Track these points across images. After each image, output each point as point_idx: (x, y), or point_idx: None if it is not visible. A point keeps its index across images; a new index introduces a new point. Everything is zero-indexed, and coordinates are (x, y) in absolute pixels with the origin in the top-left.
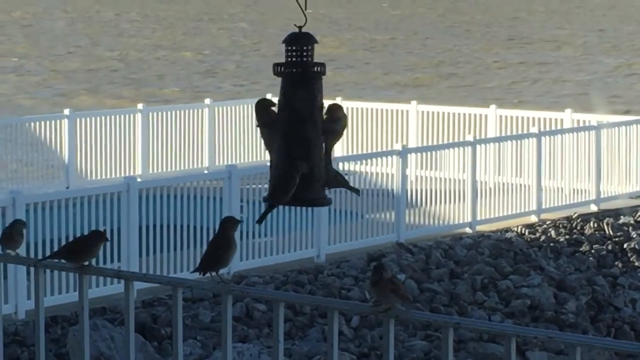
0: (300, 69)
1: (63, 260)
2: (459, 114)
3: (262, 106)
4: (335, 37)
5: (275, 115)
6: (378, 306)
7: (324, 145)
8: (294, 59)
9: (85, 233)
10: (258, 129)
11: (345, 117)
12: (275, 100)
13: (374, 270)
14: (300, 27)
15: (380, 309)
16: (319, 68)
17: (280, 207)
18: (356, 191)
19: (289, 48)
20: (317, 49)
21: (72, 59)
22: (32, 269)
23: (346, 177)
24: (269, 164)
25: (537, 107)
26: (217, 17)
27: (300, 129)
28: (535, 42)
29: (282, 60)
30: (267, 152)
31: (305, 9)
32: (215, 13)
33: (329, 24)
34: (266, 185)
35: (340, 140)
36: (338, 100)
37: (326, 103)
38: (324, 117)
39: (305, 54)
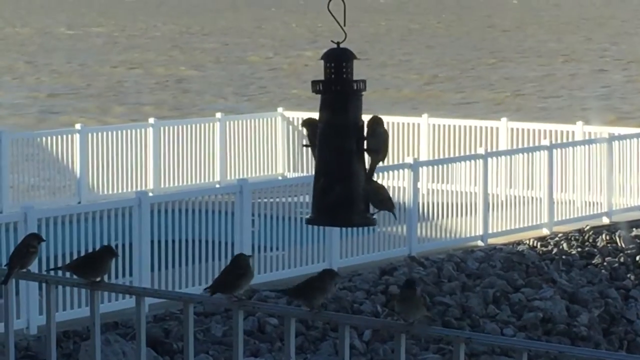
0: (339, 86)
1: (74, 276)
2: (470, 127)
3: (309, 125)
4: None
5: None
6: (417, 323)
7: (367, 163)
8: (332, 76)
9: (97, 248)
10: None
11: (385, 132)
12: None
13: (407, 285)
14: (338, 43)
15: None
16: (358, 85)
17: (291, 219)
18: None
19: (328, 65)
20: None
21: None
22: (44, 285)
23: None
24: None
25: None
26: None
27: (339, 147)
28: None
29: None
30: (282, 167)
31: (345, 24)
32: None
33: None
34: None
35: None
36: None
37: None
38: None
39: (344, 70)
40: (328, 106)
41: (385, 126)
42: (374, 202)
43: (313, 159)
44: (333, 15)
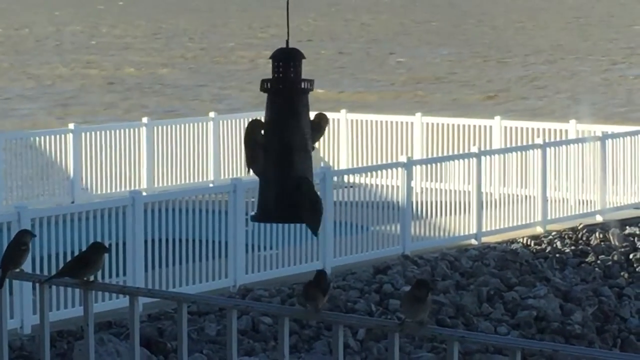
0: (286, 85)
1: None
2: (463, 126)
3: (255, 127)
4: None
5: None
6: (410, 323)
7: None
8: (280, 75)
9: (90, 245)
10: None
11: (324, 127)
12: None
13: (420, 285)
14: (287, 42)
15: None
16: (306, 84)
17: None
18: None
19: (276, 64)
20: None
21: None
22: (37, 285)
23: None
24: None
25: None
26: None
27: (288, 145)
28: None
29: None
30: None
31: (288, 26)
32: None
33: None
34: None
35: (346, 152)
36: (342, 113)
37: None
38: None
39: (291, 69)
40: (275, 105)
41: (379, 125)
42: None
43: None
44: (288, 15)
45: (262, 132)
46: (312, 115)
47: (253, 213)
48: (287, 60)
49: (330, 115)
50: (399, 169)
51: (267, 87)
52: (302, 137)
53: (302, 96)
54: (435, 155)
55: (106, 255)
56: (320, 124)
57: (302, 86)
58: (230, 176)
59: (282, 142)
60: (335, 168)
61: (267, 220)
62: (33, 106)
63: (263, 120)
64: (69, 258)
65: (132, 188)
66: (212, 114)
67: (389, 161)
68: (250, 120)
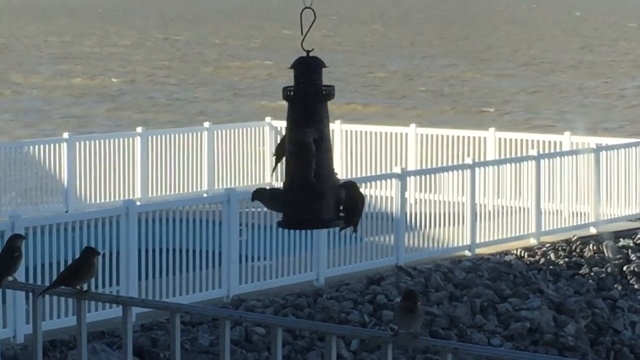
0: (307, 93)
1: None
2: (457, 137)
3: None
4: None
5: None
6: (404, 334)
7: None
8: (301, 84)
9: (83, 250)
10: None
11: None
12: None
13: (408, 297)
14: (308, 52)
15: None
16: (327, 91)
17: (278, 229)
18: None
19: (297, 72)
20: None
21: None
22: (30, 294)
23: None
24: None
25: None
26: None
27: (306, 151)
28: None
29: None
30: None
31: (303, 34)
32: None
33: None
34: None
35: (340, 163)
36: (337, 124)
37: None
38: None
39: (314, 77)
40: (297, 112)
41: (374, 136)
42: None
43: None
44: (301, 24)
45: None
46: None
47: (279, 219)
48: (307, 69)
49: None
50: (393, 179)
51: (289, 94)
52: (324, 142)
53: (323, 103)
54: (429, 167)
55: (100, 265)
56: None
57: (324, 92)
58: (224, 186)
59: (304, 146)
60: None
61: (296, 227)
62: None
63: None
64: (62, 267)
65: (126, 198)
66: (206, 124)
67: (383, 172)
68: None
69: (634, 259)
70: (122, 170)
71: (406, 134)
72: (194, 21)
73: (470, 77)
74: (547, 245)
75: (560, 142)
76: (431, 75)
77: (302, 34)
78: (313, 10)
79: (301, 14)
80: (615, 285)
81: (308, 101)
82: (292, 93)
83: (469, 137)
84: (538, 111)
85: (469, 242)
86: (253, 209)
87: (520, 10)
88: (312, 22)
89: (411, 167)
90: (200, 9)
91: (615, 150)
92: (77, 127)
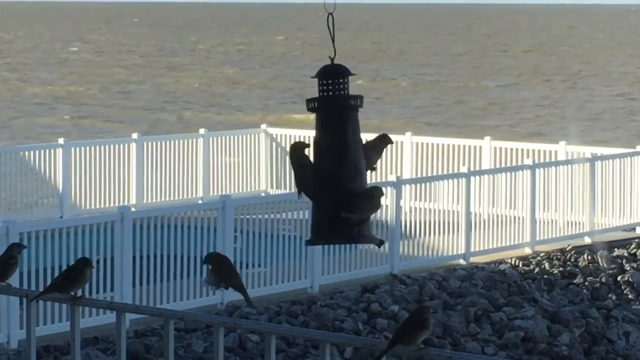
0: (335, 103)
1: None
2: (453, 146)
3: (298, 149)
4: None
5: (307, 157)
6: (421, 347)
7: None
8: (328, 93)
9: (77, 260)
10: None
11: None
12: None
13: (424, 312)
14: (332, 59)
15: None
16: (355, 101)
17: (273, 236)
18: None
19: (323, 82)
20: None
21: None
22: (24, 299)
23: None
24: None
25: None
26: None
27: (338, 163)
28: None
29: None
30: (265, 184)
31: (334, 41)
32: None
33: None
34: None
35: None
36: None
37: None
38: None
39: (340, 86)
40: (323, 124)
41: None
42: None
43: (294, 178)
44: (330, 31)
45: (307, 152)
46: (373, 135)
47: (308, 238)
48: (334, 78)
49: None
50: (388, 188)
51: (314, 106)
52: (353, 156)
53: (351, 113)
54: (424, 175)
55: (94, 271)
56: (378, 145)
57: (352, 103)
58: (220, 193)
59: (332, 162)
60: None
61: (324, 242)
62: None
63: (312, 140)
64: (57, 273)
65: (121, 203)
66: (202, 131)
67: (378, 180)
68: (293, 142)
69: (628, 268)
70: (118, 176)
71: (401, 142)
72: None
73: None
74: (542, 254)
75: (556, 152)
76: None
77: (332, 41)
78: (332, 16)
79: (327, 19)
80: (610, 295)
81: (337, 112)
82: (317, 104)
83: (464, 146)
84: None
85: (463, 251)
86: (248, 216)
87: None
88: (333, 29)
89: (406, 175)
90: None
91: (610, 160)
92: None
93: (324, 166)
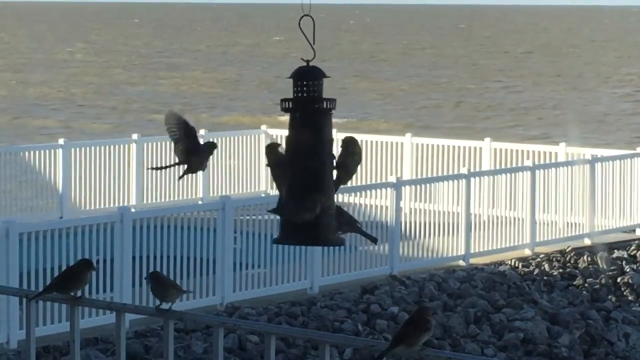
0: (308, 105)
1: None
2: (453, 147)
3: (270, 148)
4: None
5: (283, 155)
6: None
7: (335, 180)
8: (301, 94)
9: (78, 261)
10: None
11: (360, 152)
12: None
13: (426, 313)
14: (308, 62)
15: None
16: (328, 104)
17: (273, 237)
18: (373, 240)
19: (298, 83)
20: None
21: None
22: (24, 300)
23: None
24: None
25: None
26: None
27: (309, 164)
28: None
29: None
30: (265, 185)
31: (314, 43)
32: None
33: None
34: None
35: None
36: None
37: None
38: (340, 151)
39: (313, 88)
40: (298, 125)
41: (369, 145)
42: (344, 229)
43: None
44: (304, 33)
45: (281, 151)
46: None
47: (276, 236)
48: (308, 79)
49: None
50: (388, 189)
51: (288, 106)
52: (325, 157)
53: (324, 115)
54: (424, 176)
55: (93, 272)
56: (352, 150)
57: (325, 105)
58: (219, 194)
59: (305, 162)
60: None
61: (291, 242)
62: None
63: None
64: (56, 273)
65: (121, 204)
66: (202, 132)
67: (378, 181)
68: (267, 144)
69: (628, 270)
70: (117, 176)
71: (401, 144)
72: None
73: None
74: (542, 255)
75: (556, 153)
76: None
77: (309, 42)
78: (312, 17)
79: (299, 22)
80: (609, 297)
81: (310, 113)
82: (291, 104)
83: (464, 147)
84: None
85: (463, 252)
86: (248, 217)
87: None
88: (313, 30)
89: (406, 176)
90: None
91: (610, 162)
92: None
93: (294, 166)
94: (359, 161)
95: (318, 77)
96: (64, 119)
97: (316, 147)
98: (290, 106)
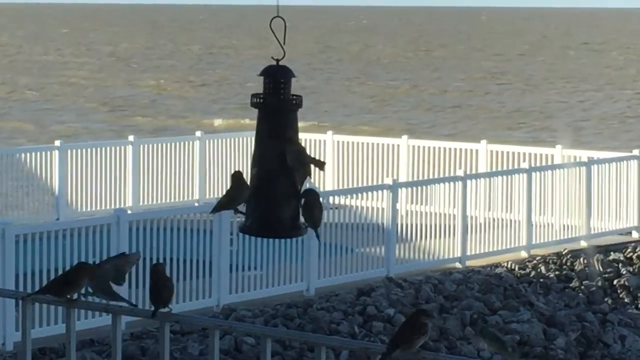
0: (275, 101)
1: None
2: (449, 149)
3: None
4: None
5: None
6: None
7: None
8: (269, 91)
9: (74, 265)
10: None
11: (297, 151)
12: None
13: (424, 316)
14: (277, 60)
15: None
16: (295, 101)
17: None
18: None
19: (266, 80)
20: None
21: None
22: (20, 301)
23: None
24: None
25: None
26: None
27: (274, 161)
28: None
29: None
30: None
31: (284, 43)
32: None
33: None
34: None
35: (331, 174)
36: (328, 134)
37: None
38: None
39: (281, 86)
40: (265, 120)
41: (365, 147)
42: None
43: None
44: (274, 33)
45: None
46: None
47: (241, 224)
48: (277, 77)
49: (316, 136)
50: (385, 191)
51: (257, 102)
52: (293, 152)
53: (292, 112)
54: (420, 178)
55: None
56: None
57: (293, 102)
58: (216, 195)
59: (271, 156)
60: (321, 189)
61: (258, 235)
62: None
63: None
64: (53, 275)
65: (117, 206)
66: (198, 133)
67: (375, 183)
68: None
69: (624, 272)
70: (114, 178)
71: (398, 146)
72: None
73: None
74: (538, 258)
75: (552, 156)
76: None
77: (280, 43)
78: (283, 19)
79: (270, 23)
80: (606, 299)
81: (278, 110)
82: (260, 100)
83: (460, 149)
84: None
85: (459, 254)
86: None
87: None
88: (285, 31)
89: (403, 178)
90: None
91: (607, 164)
92: None
93: (261, 161)
94: (299, 159)
95: (287, 76)
96: (61, 120)
97: (279, 143)
98: (259, 102)
